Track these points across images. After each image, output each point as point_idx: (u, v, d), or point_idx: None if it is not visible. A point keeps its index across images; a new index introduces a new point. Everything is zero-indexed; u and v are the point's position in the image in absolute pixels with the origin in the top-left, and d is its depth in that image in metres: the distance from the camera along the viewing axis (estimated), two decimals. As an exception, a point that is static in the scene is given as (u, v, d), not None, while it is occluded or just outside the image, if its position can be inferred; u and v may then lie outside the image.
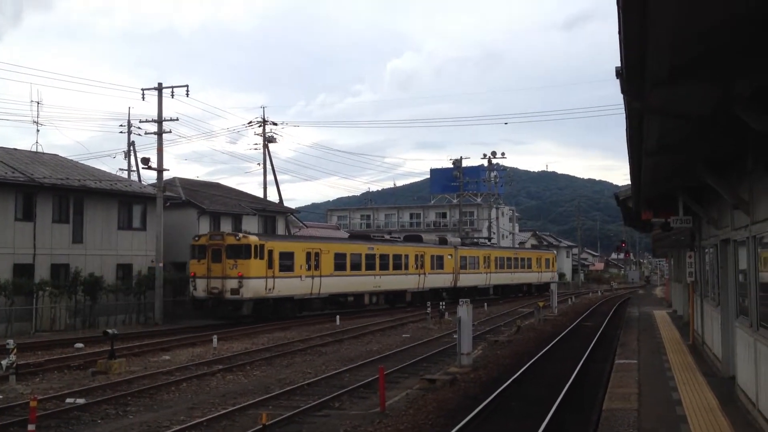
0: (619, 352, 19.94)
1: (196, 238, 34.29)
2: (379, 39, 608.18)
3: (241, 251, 32.18)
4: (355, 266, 39.69)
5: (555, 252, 77.75)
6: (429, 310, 34.61)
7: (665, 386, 14.30)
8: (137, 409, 14.70)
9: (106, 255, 34.95)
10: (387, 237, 48.76)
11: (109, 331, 20.28)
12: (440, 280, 47.84)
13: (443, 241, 51.53)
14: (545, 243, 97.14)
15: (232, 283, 31.78)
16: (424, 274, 45.77)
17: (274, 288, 33.28)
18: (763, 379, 10.05)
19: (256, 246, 32.55)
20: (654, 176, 12.94)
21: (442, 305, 36.14)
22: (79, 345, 24.19)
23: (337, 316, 34.78)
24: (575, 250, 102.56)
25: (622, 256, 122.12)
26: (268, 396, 15.58)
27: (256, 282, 32.27)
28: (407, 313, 38.86)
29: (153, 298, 34.49)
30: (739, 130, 7.53)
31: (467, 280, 51.17)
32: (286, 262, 34.33)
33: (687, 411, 11.78)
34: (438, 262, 47.67)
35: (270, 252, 33.32)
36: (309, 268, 35.72)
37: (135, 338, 27.00)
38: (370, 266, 40.84)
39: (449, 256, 49.18)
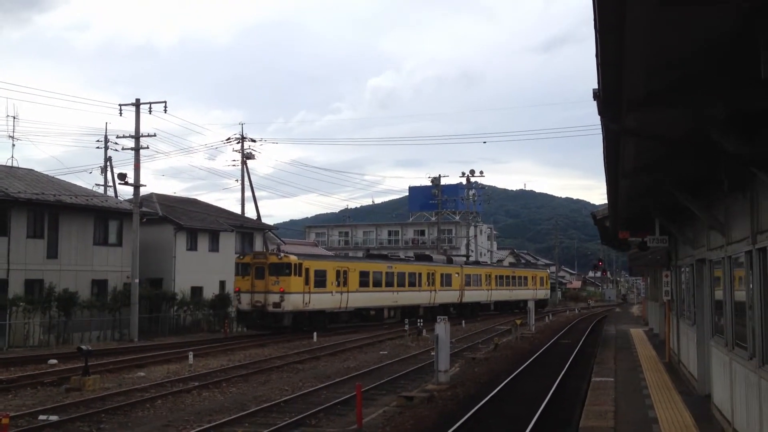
0: (596, 370, 20.01)
1: (241, 257, 37.89)
2: (360, 57, 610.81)
3: (283, 269, 35.54)
4: (377, 283, 42.95)
5: (548, 271, 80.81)
6: (407, 327, 34.58)
7: (641, 404, 14.37)
8: (111, 426, 14.52)
9: (81, 271, 34.61)
10: (402, 256, 52.73)
11: (84, 347, 20.05)
12: (449, 296, 51.32)
13: (449, 261, 54.92)
14: (523, 261, 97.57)
15: (275, 298, 35.09)
16: (435, 290, 49.11)
17: (310, 302, 36.62)
18: (738, 398, 10.14)
19: (295, 264, 35.94)
20: (630, 196, 13.09)
21: (420, 322, 36.24)
22: (53, 361, 23.89)
23: (314, 333, 34.69)
24: (553, 268, 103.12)
25: (599, 274, 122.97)
26: (244, 413, 15.45)
27: (296, 297, 35.59)
28: (385, 330, 38.81)
29: (128, 315, 34.17)
30: (714, 153, 7.64)
31: (471, 296, 54.63)
32: (320, 279, 37.71)
33: (663, 429, 11.85)
34: (447, 280, 51.06)
35: (307, 270, 36.69)
36: (338, 285, 39.10)
37: (110, 354, 26.68)
38: (389, 283, 44.08)
39: (456, 275, 52.61)
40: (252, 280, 35.74)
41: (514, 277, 64.06)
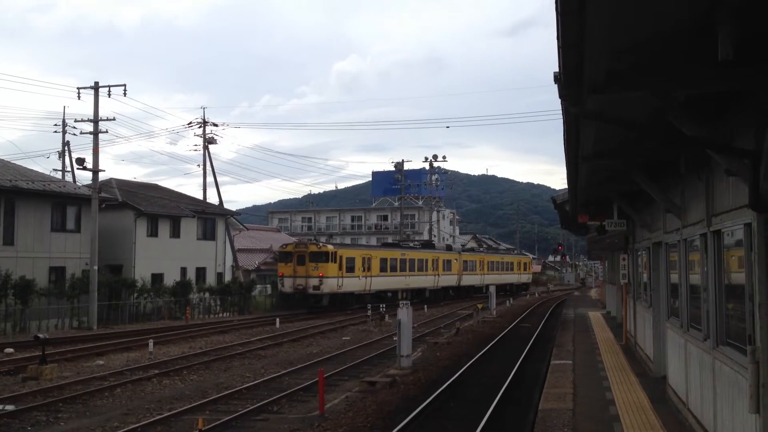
0: (555, 353, 20.27)
1: (284, 246, 43.79)
2: (325, 41, 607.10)
3: (321, 257, 40.71)
4: (393, 268, 48.17)
5: (531, 257, 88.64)
6: (370, 312, 34.65)
7: (599, 386, 14.59)
8: (69, 415, 14.31)
9: (39, 257, 33.97)
10: (411, 245, 57.77)
11: (41, 335, 19.74)
12: (449, 280, 56.99)
13: (449, 248, 61.56)
14: (485, 246, 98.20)
15: (314, 282, 40.32)
16: (438, 275, 54.62)
17: (342, 285, 41.96)
18: (693, 379, 10.34)
19: (332, 253, 41.15)
20: (590, 180, 13.20)
21: (383, 307, 36.45)
22: (9, 350, 23.45)
23: (277, 319, 34.68)
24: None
25: (559, 258, 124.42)
26: (205, 401, 15.35)
27: (332, 280, 40.92)
28: (347, 316, 38.87)
29: (87, 302, 33.67)
30: (672, 137, 7.73)
31: (468, 280, 60.44)
32: (350, 266, 42.89)
33: (620, 410, 12.04)
34: (447, 265, 56.55)
35: (340, 257, 41.72)
36: (364, 270, 44.30)
37: (68, 343, 26.27)
38: (402, 269, 49.49)
39: (455, 260, 58.31)
40: (294, 266, 40.82)
41: (503, 263, 70.82)
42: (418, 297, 51.14)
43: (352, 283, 43.20)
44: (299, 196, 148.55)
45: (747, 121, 6.73)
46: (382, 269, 46.57)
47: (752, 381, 6.58)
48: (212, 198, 52.79)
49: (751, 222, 6.77)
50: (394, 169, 75.46)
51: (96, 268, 34.10)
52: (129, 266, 39.87)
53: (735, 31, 5.07)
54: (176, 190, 51.61)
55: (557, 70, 6.14)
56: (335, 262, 41.12)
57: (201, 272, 45.24)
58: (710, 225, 8.86)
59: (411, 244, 58.18)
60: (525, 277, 76.67)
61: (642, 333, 18.46)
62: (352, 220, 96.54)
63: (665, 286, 14.00)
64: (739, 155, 6.55)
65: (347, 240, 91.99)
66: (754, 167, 6.17)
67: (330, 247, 41.85)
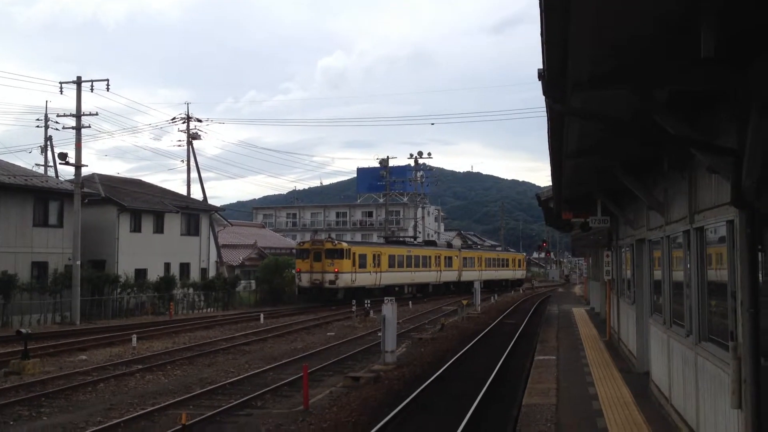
0: (538, 349, 20.37)
1: (301, 243, 47.15)
2: (310, 37, 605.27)
3: (336, 253, 43.37)
4: (400, 264, 50.85)
5: (525, 254, 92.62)
6: (354, 308, 34.66)
7: (583, 382, 14.67)
8: (51, 410, 14.23)
9: (21, 252, 33.72)
10: (415, 242, 60.93)
11: (23, 330, 19.59)
12: (450, 275, 60.01)
13: (449, 245, 64.31)
14: (469, 242, 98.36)
15: (330, 276, 42.98)
16: (441, 271, 57.77)
17: (356, 280, 44.60)
18: (676, 374, 10.41)
19: (346, 250, 43.98)
20: (574, 178, 13.26)
21: (368, 303, 36.48)
22: (-9, 345, 23.27)
23: (261, 315, 34.64)
24: (499, 249, 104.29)
25: (543, 255, 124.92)
26: (188, 396, 15.30)
27: (347, 275, 43.64)
28: (332, 311, 38.86)
29: (70, 297, 33.46)
30: (656, 134, 7.77)
31: (467, 275, 62.43)
32: (362, 261, 45.50)
33: (603, 405, 12.12)
34: (448, 262, 59.64)
35: (354, 254, 44.47)
36: (374, 266, 46.93)
37: (50, 338, 26.11)
38: (409, 265, 52.12)
39: (456, 257, 61.49)
40: (311, 262, 43.52)
41: (499, 260, 74.67)
42: (421, 292, 54.00)
43: (364, 278, 45.81)
44: (284, 192, 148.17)
45: (729, 119, 6.78)
46: (391, 265, 49.19)
47: (734, 377, 6.64)
48: (196, 194, 52.58)
49: (734, 219, 6.83)
50: (379, 165, 75.44)
51: (78, 263, 33.90)
52: (112, 262, 39.68)
53: (718, 28, 5.10)
54: (160, 186, 51.67)
55: (541, 67, 6.16)
56: (349, 258, 43.85)
57: (185, 268, 45.07)
58: (693, 222, 8.93)
59: (415, 242, 61.30)
60: (519, 273, 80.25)
61: (625, 329, 18.57)
62: (337, 216, 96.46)
63: (648, 282, 14.10)
64: (721, 153, 6.60)
65: (332, 236, 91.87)
66: (736, 165, 6.22)
67: (344, 245, 44.71)
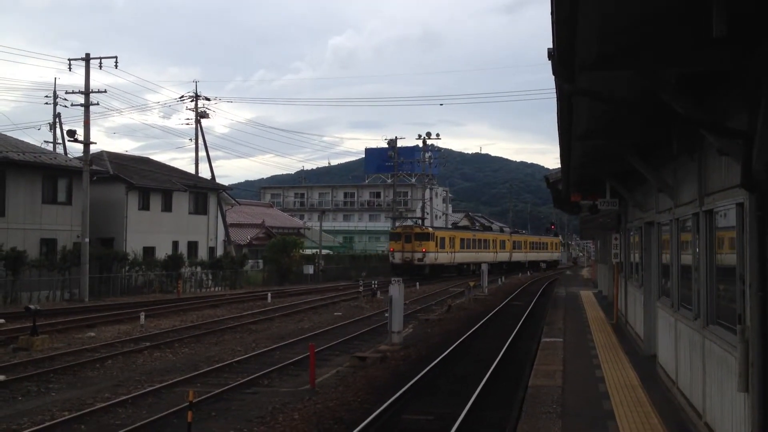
0: (545, 331, 20.35)
1: (395, 228, 58.07)
2: (321, 16, 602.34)
3: (424, 236, 53.66)
4: (468, 246, 61.76)
5: (561, 237, 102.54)
6: (361, 288, 34.74)
7: (589, 364, 14.66)
8: (60, 386, 14.34)
9: (30, 229, 33.88)
10: (477, 227, 73.89)
11: (32, 306, 19.72)
12: (503, 256, 70.52)
13: (501, 230, 76.50)
14: (478, 224, 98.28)
15: (419, 255, 53.04)
16: (497, 252, 68.70)
17: (438, 259, 55.01)
18: (683, 358, 10.40)
19: (431, 233, 54.48)
20: (583, 160, 13.17)
21: (374, 284, 36.53)
22: (1, 321, 23.43)
23: (269, 294, 34.76)
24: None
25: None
26: (196, 373, 15.39)
27: (432, 254, 53.81)
28: (340, 292, 38.95)
29: (78, 274, 33.64)
30: (665, 116, 7.69)
31: (516, 257, 74.07)
32: (443, 243, 55.82)
33: (609, 388, 12.11)
34: (502, 245, 70.83)
35: (437, 237, 54.84)
36: (451, 247, 57.58)
37: (59, 315, 26.28)
38: (474, 246, 63.13)
39: (507, 241, 72.58)
40: (402, 243, 53.31)
41: (540, 243, 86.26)
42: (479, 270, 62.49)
43: (444, 257, 56.19)
44: (292, 171, 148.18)
45: (740, 100, 6.70)
46: (461, 247, 59.96)
47: (741, 360, 6.61)
48: (204, 172, 52.71)
49: (743, 202, 6.77)
50: (387, 146, 75.26)
51: (87, 240, 34.04)
52: (120, 239, 39.83)
53: (730, 7, 5.02)
54: (168, 164, 51.62)
55: (551, 46, 6.09)
56: (434, 240, 53.84)
57: (193, 246, 45.21)
58: (702, 205, 8.86)
59: (477, 227, 73.44)
60: (555, 255, 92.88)
61: (633, 312, 18.55)
62: (345, 197, 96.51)
63: (656, 265, 14.04)
64: (732, 135, 6.53)
65: (339, 216, 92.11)
66: (746, 147, 6.15)
67: (430, 229, 55.34)
